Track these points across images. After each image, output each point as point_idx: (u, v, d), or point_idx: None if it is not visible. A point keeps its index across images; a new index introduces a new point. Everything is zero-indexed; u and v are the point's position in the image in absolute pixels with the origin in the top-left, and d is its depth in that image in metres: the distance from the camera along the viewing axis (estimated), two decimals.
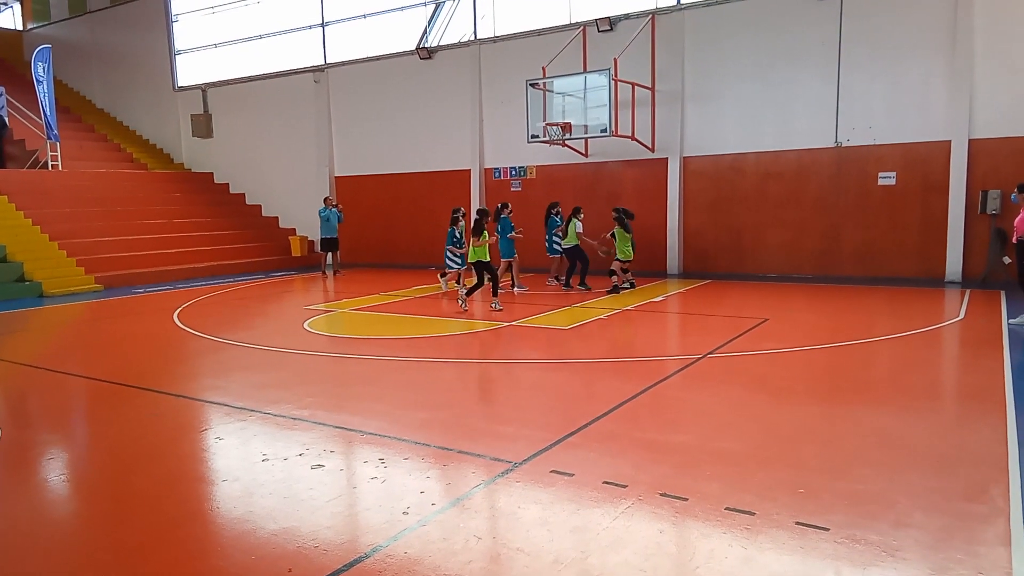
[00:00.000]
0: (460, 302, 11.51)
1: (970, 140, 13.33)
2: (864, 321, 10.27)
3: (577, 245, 13.56)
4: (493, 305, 11.34)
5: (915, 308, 10.99)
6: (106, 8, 25.98)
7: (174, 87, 24.47)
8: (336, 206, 18.05)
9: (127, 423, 6.11)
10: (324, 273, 17.97)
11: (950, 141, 13.49)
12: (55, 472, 5.10)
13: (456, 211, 13.16)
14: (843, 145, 14.46)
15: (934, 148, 13.69)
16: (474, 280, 11.63)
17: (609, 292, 12.96)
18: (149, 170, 23.10)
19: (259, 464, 4.96)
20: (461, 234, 13.01)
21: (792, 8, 14.64)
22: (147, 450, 5.43)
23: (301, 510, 4.18)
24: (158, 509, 4.30)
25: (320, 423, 5.83)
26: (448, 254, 13.20)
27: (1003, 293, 11.88)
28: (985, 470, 4.54)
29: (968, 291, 12.46)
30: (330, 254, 17.98)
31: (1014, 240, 9.36)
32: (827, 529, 3.75)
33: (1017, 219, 9.27)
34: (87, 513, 4.44)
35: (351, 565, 3.51)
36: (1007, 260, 12.69)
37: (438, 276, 14.16)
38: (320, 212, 17.73)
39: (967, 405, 6.30)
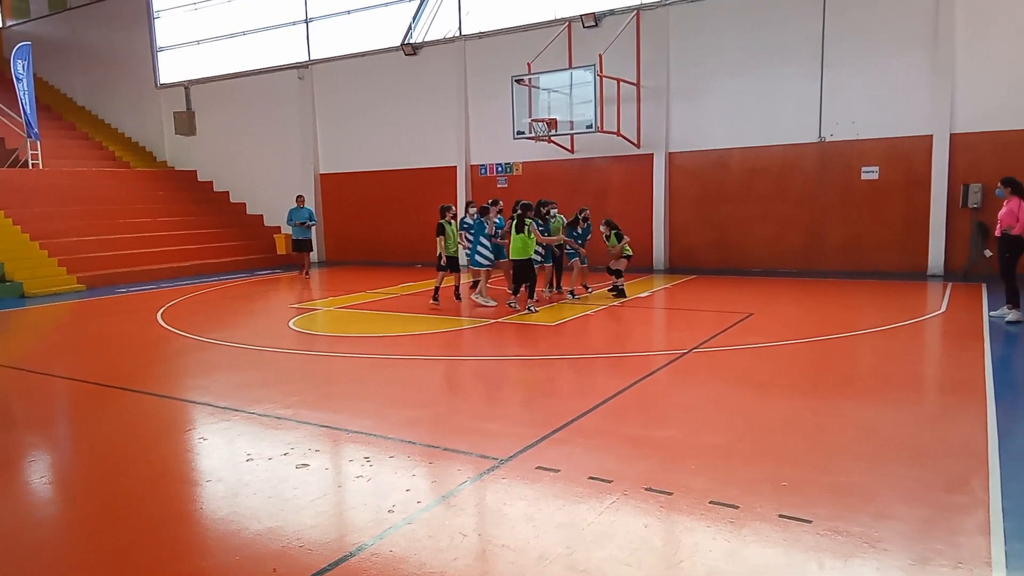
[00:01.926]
0: (529, 308, 10.74)
1: (952, 135, 13.46)
2: (848, 315, 10.35)
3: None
4: (530, 308, 10.77)
5: (898, 301, 11.09)
6: (86, 4, 25.68)
7: (156, 84, 24.25)
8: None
9: (110, 424, 6.06)
10: (307, 274, 17.24)
11: (932, 136, 13.62)
12: (38, 475, 5.05)
13: (495, 203, 11.90)
14: (827, 140, 14.56)
15: (916, 143, 13.81)
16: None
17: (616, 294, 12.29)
18: (131, 168, 22.88)
19: (244, 464, 4.93)
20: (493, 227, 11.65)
21: (776, 3, 14.70)
22: (131, 451, 5.38)
23: (286, 509, 4.16)
24: (142, 510, 4.27)
25: (305, 422, 5.80)
26: (480, 250, 11.58)
27: (984, 286, 12.01)
28: (966, 461, 4.59)
29: (950, 284, 12.60)
30: (304, 255, 17.24)
31: (997, 234, 9.40)
32: (810, 521, 3.78)
33: (1001, 212, 9.32)
34: (70, 515, 4.40)
35: (336, 564, 3.50)
36: (988, 254, 12.83)
37: (472, 291, 11.93)
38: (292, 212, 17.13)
39: (949, 397, 6.37)
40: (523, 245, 10.63)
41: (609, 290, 12.36)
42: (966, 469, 4.46)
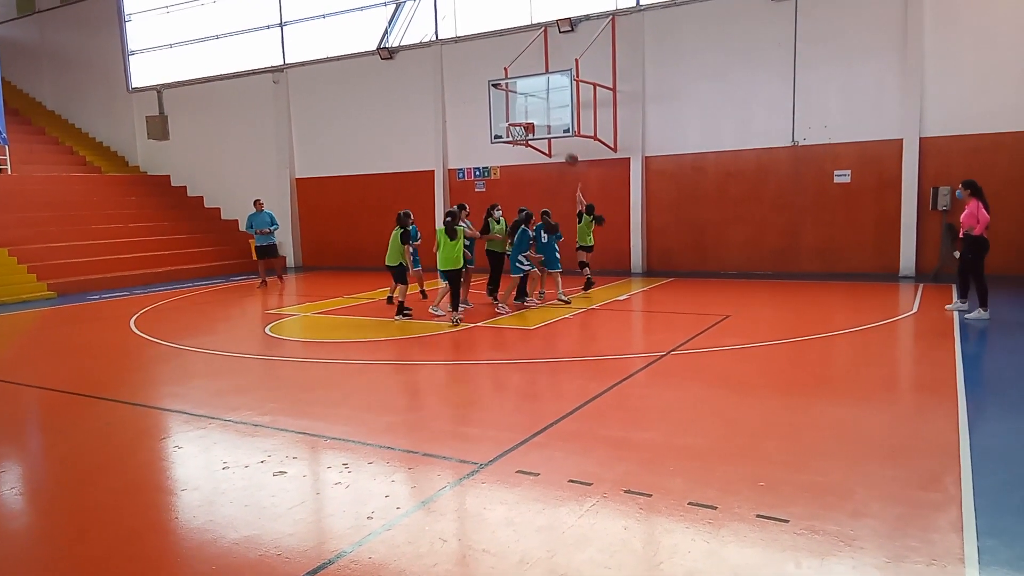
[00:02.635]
0: (500, 307, 11.03)
1: (921, 138, 13.71)
2: (823, 316, 10.49)
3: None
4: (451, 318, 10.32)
5: (871, 302, 11.26)
6: (56, 7, 25.28)
7: (128, 88, 23.92)
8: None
9: (83, 434, 5.95)
10: (280, 280, 16.70)
11: (902, 139, 13.86)
12: (8, 486, 4.93)
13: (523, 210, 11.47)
14: (800, 144, 14.75)
15: (887, 146, 14.05)
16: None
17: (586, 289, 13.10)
18: (103, 173, 22.54)
19: (220, 472, 4.87)
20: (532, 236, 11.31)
21: (749, 9, 14.88)
22: (104, 461, 5.29)
23: (263, 518, 4.11)
24: (116, 521, 4.19)
25: (282, 429, 5.74)
26: (520, 260, 11.20)
27: (954, 287, 12.20)
28: (939, 459, 4.67)
29: (921, 285, 12.82)
30: (272, 261, 16.38)
31: (961, 235, 9.73)
32: (787, 521, 3.82)
33: (963, 215, 9.63)
34: (43, 527, 4.31)
35: (314, 572, 3.47)
36: (958, 254, 13.04)
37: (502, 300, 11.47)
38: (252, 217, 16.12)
39: (921, 396, 6.47)
40: (458, 254, 10.19)
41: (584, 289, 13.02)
42: (939, 467, 4.53)
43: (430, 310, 11.12)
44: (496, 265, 12.00)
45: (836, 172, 14.53)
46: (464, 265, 10.60)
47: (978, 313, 9.42)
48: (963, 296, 9.84)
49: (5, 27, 26.96)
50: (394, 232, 10.99)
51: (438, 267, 10.50)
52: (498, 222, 11.85)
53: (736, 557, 3.49)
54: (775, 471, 4.53)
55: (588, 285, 13.16)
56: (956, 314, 9.71)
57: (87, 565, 3.70)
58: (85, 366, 8.74)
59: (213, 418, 6.10)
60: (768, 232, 15.27)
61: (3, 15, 27.11)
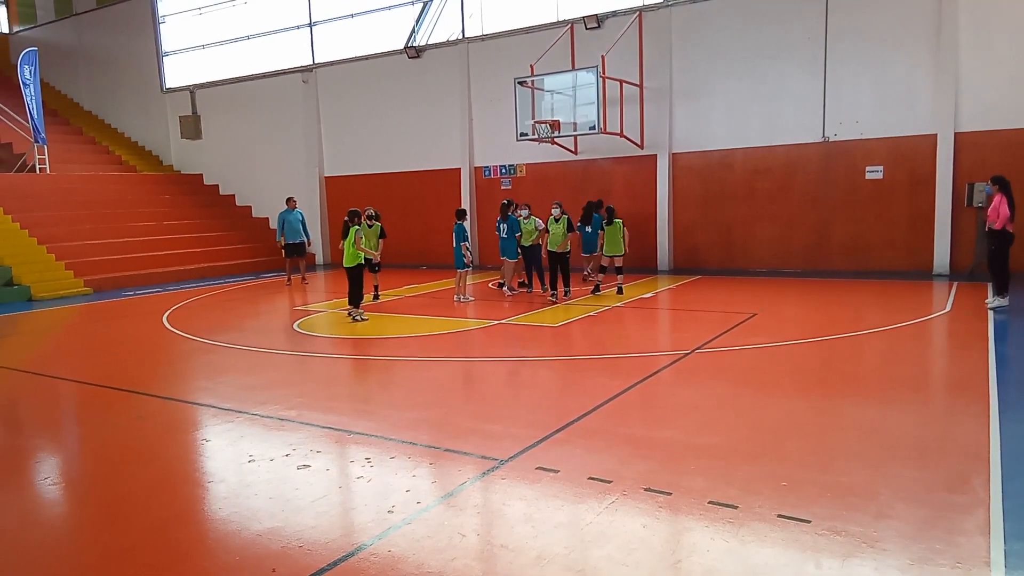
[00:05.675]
0: (360, 316, 10.70)
1: (956, 133, 13.41)
2: (852, 314, 10.32)
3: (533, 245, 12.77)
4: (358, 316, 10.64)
5: (903, 301, 11.05)
6: (93, 10, 25.86)
7: (162, 89, 24.38)
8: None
9: (115, 426, 6.10)
10: (303, 279, 16.50)
11: (936, 134, 13.56)
12: (43, 476, 5.09)
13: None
14: (830, 140, 14.52)
15: (920, 142, 13.76)
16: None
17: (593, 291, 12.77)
18: (138, 172, 23.02)
19: (246, 465, 4.96)
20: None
21: (778, 3, 14.68)
22: (135, 453, 5.42)
23: (287, 510, 4.18)
24: (145, 511, 4.30)
25: (307, 423, 5.83)
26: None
27: (989, 285, 11.92)
28: (967, 461, 4.58)
29: (955, 284, 12.54)
30: (298, 260, 16.28)
31: (987, 229, 9.72)
32: (809, 521, 3.78)
33: (990, 208, 9.62)
34: (75, 516, 4.44)
35: (335, 564, 3.52)
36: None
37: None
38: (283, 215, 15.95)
39: (952, 397, 6.34)
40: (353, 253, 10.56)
41: (592, 291, 12.77)
42: (967, 469, 4.45)
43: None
44: (529, 258, 13.06)
45: (868, 168, 14.27)
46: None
47: (997, 301, 9.63)
48: (1001, 291, 9.85)
49: (43, 30, 27.66)
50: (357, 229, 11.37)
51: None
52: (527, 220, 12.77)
53: (756, 556, 3.47)
54: (798, 471, 4.48)
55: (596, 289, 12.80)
56: (991, 313, 9.51)
57: (116, 554, 3.80)
58: (119, 360, 8.95)
59: (241, 412, 6.21)
60: (797, 229, 15.06)
61: (42, 18, 27.83)
